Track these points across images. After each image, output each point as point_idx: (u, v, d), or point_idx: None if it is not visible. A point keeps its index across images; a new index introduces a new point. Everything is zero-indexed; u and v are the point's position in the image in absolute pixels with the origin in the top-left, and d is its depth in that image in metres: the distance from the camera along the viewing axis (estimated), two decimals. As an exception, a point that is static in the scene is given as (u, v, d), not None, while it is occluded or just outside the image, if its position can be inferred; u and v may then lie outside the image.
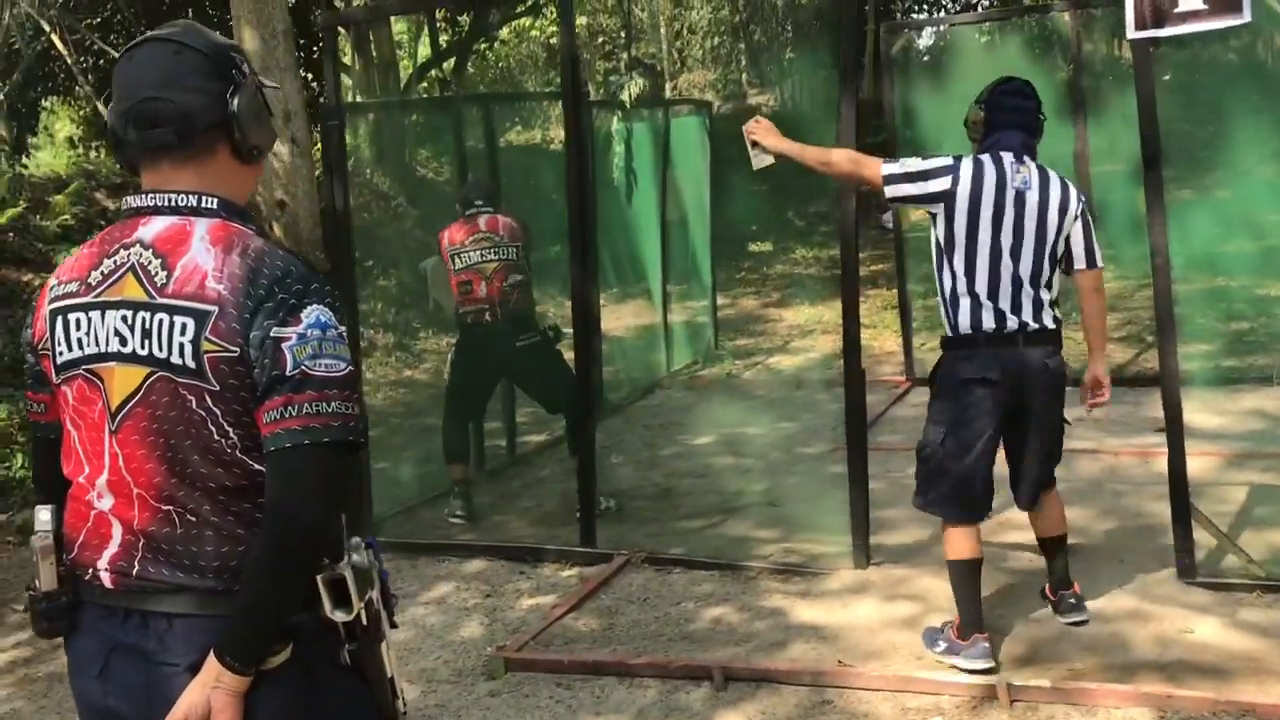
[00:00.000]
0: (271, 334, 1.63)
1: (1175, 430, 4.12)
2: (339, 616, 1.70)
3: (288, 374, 1.61)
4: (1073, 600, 3.98)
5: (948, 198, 3.73)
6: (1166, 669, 3.61)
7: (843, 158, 4.00)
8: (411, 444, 7.31)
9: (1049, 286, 3.75)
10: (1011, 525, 4.90)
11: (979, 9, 21.90)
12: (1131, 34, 3.93)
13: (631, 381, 8.69)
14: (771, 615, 4.29)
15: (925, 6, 22.45)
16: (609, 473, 6.16)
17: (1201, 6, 3.80)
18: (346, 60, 13.95)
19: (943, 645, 3.80)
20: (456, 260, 5.69)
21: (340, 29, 14.44)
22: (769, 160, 4.03)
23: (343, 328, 1.70)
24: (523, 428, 7.14)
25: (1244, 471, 5.53)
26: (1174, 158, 13.21)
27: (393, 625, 1.86)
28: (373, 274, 10.80)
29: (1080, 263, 3.81)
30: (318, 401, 1.61)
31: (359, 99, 13.53)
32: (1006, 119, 3.79)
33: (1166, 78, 15.04)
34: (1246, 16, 3.78)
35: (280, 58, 10.07)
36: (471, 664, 4.06)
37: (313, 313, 1.65)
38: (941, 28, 13.88)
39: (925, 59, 16.00)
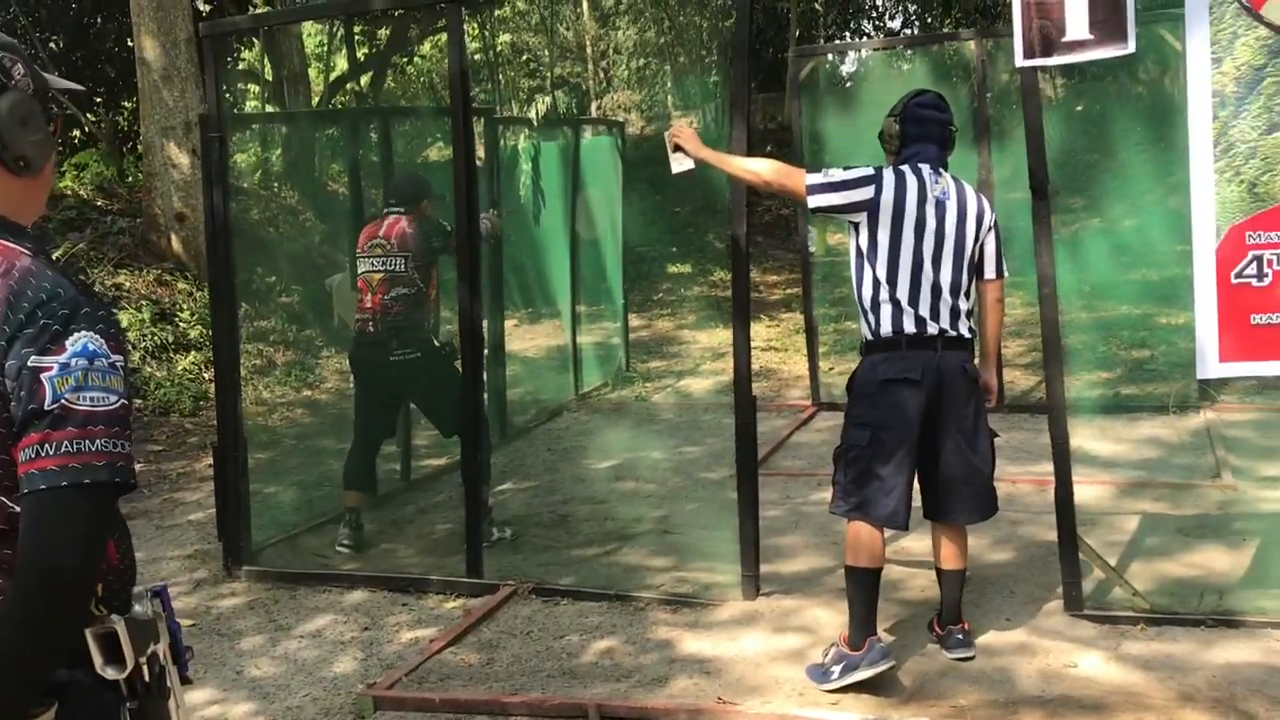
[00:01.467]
0: (29, 363, 1.47)
1: (1062, 460, 4.09)
2: (111, 674, 1.55)
3: (46, 408, 1.46)
4: (960, 637, 3.92)
5: (871, 206, 3.75)
6: (1049, 705, 3.55)
7: (769, 167, 4.03)
8: (302, 467, 7.09)
9: (966, 295, 3.81)
10: (905, 554, 4.86)
11: (899, 34, 22.19)
12: (1020, 62, 3.91)
13: (538, 404, 8.55)
14: (658, 648, 4.17)
15: (847, 33, 22.72)
16: (505, 500, 6.01)
17: (1088, 36, 3.79)
18: (261, 70, 13.68)
19: (837, 668, 3.71)
20: (358, 265, 5.54)
21: (249, 38, 14.22)
22: (689, 165, 4.04)
23: (118, 356, 1.54)
24: (420, 450, 6.96)
25: (1137, 501, 5.55)
26: (1081, 186, 13.50)
27: (185, 681, 1.71)
28: (275, 290, 10.53)
29: (990, 272, 3.92)
30: (79, 439, 1.46)
31: (270, 110, 13.27)
32: (921, 131, 3.85)
33: (1078, 108, 15.35)
34: (1130, 47, 3.77)
35: (181, 66, 9.82)
36: (341, 702, 3.88)
37: (79, 340, 1.49)
38: (852, 54, 14.03)
39: (839, 84, 16.15)
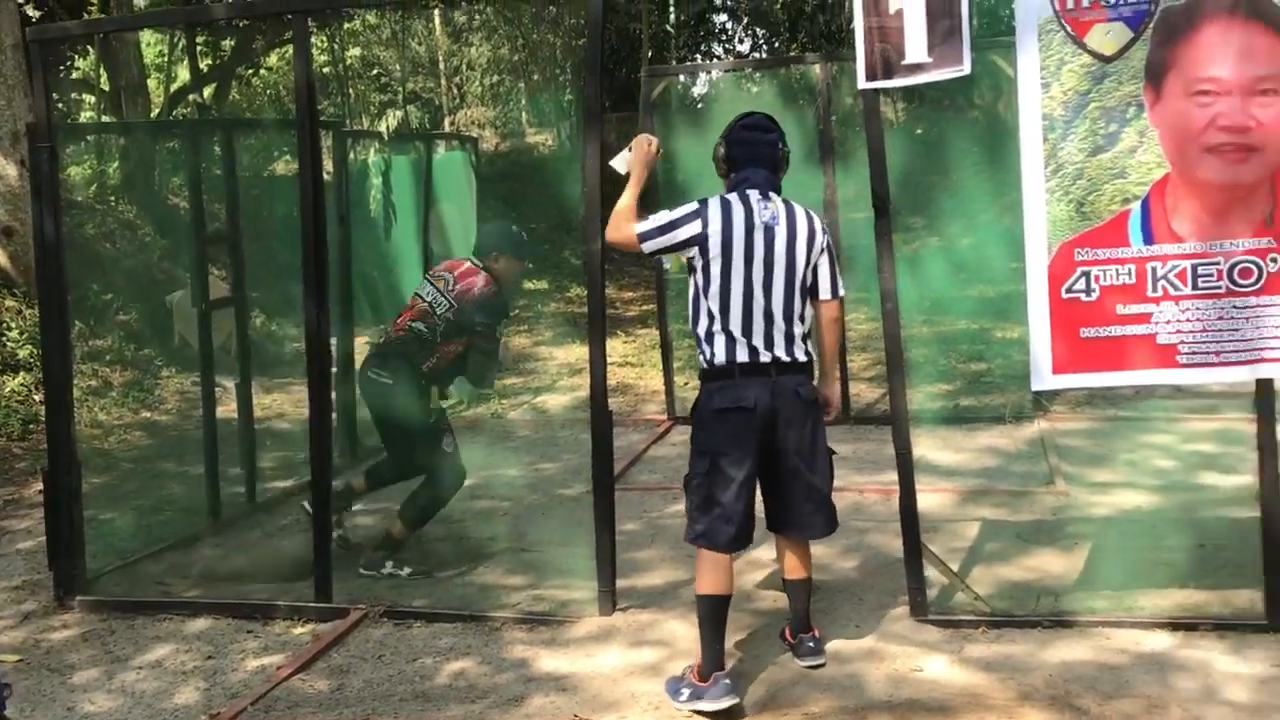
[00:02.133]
0: None
1: (906, 470, 4.21)
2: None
3: None
4: (811, 644, 3.99)
5: (700, 241, 3.79)
6: (897, 709, 3.64)
7: (612, 222, 4.00)
8: (140, 492, 6.79)
9: (801, 320, 3.84)
10: (758, 565, 4.93)
11: (748, 57, 22.65)
12: (863, 84, 4.02)
13: (390, 423, 8.37)
14: (514, 667, 4.13)
15: (698, 54, 23.09)
16: (355, 522, 5.87)
17: (927, 59, 3.93)
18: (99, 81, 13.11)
19: (686, 693, 3.74)
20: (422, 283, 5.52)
21: (83, 46, 13.61)
22: (622, 171, 4.08)
23: None
24: (266, 473, 6.74)
25: (977, 508, 5.75)
26: (921, 206, 14.00)
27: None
28: (112, 308, 10.08)
29: (825, 293, 3.89)
30: None
31: (106, 120, 12.73)
32: (748, 154, 3.87)
33: (919, 131, 15.94)
34: (966, 69, 3.92)
35: (9, 74, 9.35)
36: (182, 735, 3.73)
37: None
38: (704, 75, 14.25)
39: (690, 105, 16.41)
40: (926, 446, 6.99)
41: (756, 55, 22.01)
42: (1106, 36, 3.81)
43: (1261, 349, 3.85)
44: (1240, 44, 3.72)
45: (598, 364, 4.39)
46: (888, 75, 3.99)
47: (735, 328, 3.76)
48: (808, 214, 3.88)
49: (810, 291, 3.88)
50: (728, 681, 3.67)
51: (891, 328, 4.20)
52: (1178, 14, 3.75)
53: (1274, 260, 3.79)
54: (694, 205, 3.83)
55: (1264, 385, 3.94)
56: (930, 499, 5.91)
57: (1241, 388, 6.25)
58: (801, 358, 3.82)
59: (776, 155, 3.91)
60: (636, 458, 7.14)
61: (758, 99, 9.07)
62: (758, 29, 24.49)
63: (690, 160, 8.09)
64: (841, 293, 3.94)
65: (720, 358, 3.78)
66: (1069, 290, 3.93)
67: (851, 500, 5.98)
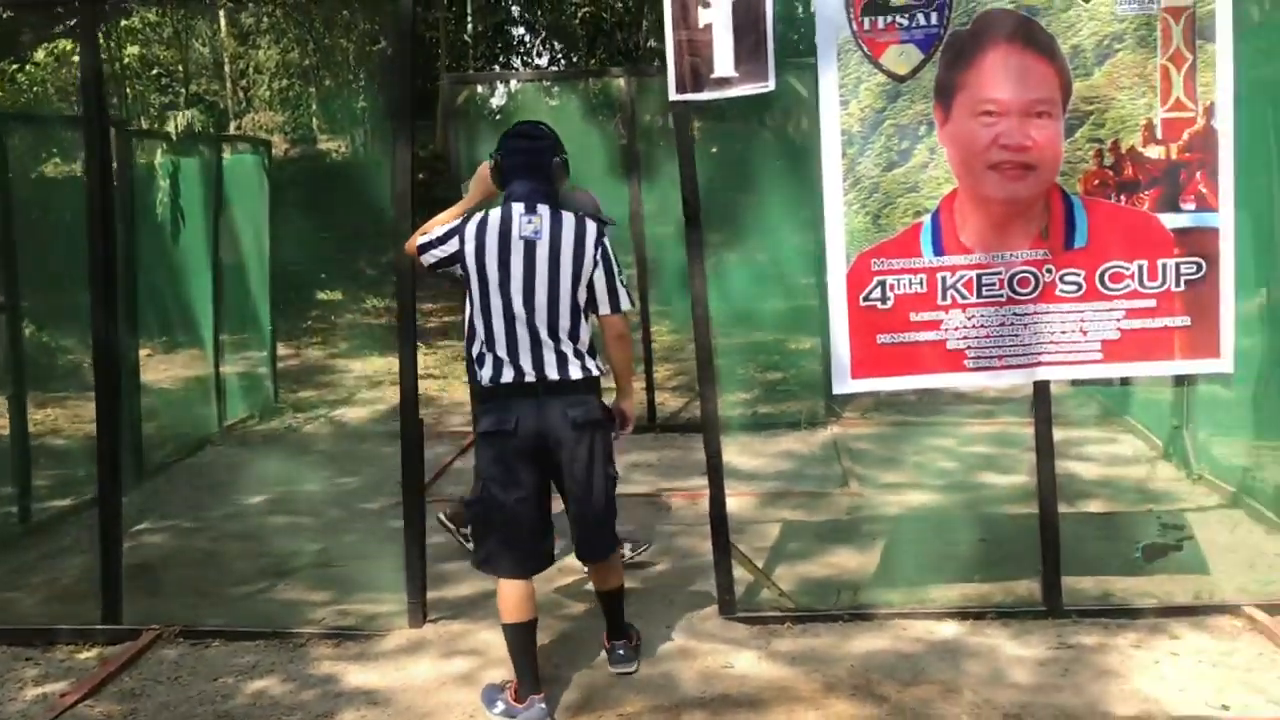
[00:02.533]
0: None
1: (716, 473, 4.32)
2: None
3: None
4: (621, 652, 4.02)
5: (461, 259, 3.69)
6: (710, 705, 3.72)
7: (416, 232, 3.89)
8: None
9: (574, 337, 3.67)
10: (570, 570, 4.94)
11: (546, 69, 22.75)
12: (673, 96, 4.12)
13: (178, 438, 7.98)
14: (321, 683, 4.00)
15: (495, 65, 23.03)
16: (142, 540, 5.57)
17: (734, 74, 4.06)
18: None
19: (500, 706, 3.71)
20: None
21: None
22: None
23: None
24: (41, 491, 6.31)
25: (777, 509, 5.94)
26: (719, 223, 14.37)
27: None
28: None
29: (603, 308, 3.72)
30: None
31: None
32: (513, 163, 3.73)
33: (715, 150, 16.36)
34: (771, 85, 4.07)
35: None
36: (-46, 772, 3.45)
37: None
38: (506, 85, 14.21)
39: (492, 114, 16.32)
40: (729, 452, 7.11)
41: (554, 68, 22.18)
42: (900, 57, 4.03)
43: (1039, 354, 4.14)
44: (1018, 69, 4.00)
45: (408, 374, 4.32)
46: (697, 88, 4.09)
47: (500, 348, 3.63)
48: (579, 225, 3.70)
49: (590, 306, 3.73)
50: (543, 706, 3.66)
51: (703, 335, 4.30)
52: (964, 39, 4.00)
53: (1049, 271, 4.09)
54: (457, 221, 3.75)
55: (1041, 388, 4.23)
56: (734, 502, 6.03)
57: (1016, 391, 6.73)
58: (575, 375, 3.65)
59: (544, 163, 3.73)
60: (442, 470, 7.05)
61: (559, 111, 9.13)
62: (556, 43, 24.65)
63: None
64: (625, 306, 3.75)
65: (485, 379, 3.67)
66: (866, 299, 4.13)
67: (660, 505, 6.08)
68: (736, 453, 7.15)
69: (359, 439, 8.21)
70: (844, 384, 4.20)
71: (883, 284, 4.12)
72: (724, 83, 4.08)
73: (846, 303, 4.13)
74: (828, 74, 4.05)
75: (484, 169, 3.89)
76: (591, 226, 3.72)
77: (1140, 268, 4.07)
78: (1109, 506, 5.71)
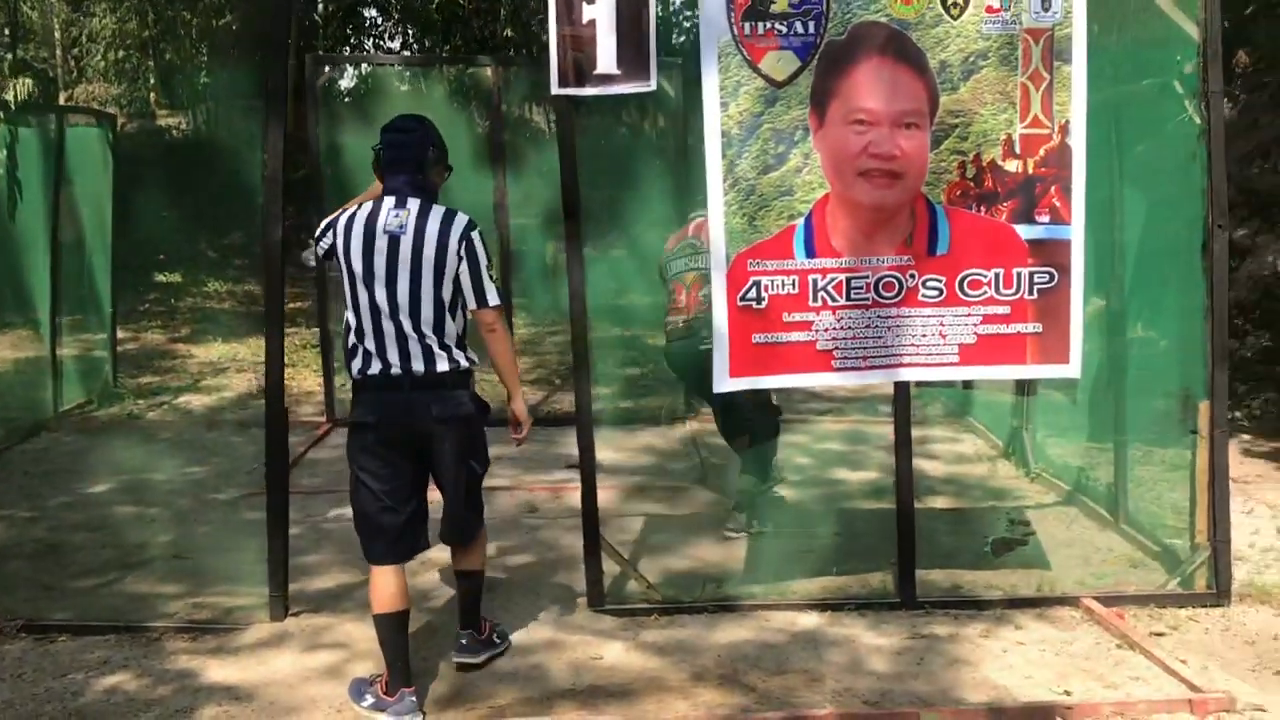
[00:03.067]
0: None
1: (589, 468, 4.35)
2: None
3: None
4: (465, 642, 3.97)
5: (334, 253, 3.74)
6: (581, 695, 3.76)
7: None
8: None
9: (439, 331, 3.67)
10: (435, 563, 4.90)
11: (402, 53, 22.33)
12: (555, 90, 4.12)
13: (8, 423, 7.57)
14: (178, 678, 3.88)
15: (346, 46, 22.48)
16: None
17: (616, 71, 4.09)
18: None
19: (369, 700, 3.67)
20: (670, 268, 5.58)
21: None
22: None
23: None
24: None
25: (640, 503, 6.01)
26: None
27: None
28: None
29: (471, 303, 3.73)
30: None
31: None
32: (390, 158, 3.73)
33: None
34: (652, 85, 4.12)
35: None
36: None
37: None
38: (367, 67, 13.91)
39: (348, 98, 15.96)
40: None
41: (407, 53, 21.76)
42: (778, 63, 4.13)
43: (901, 356, 4.30)
44: (890, 81, 4.14)
45: (275, 361, 4.22)
46: (579, 83, 4.11)
47: (370, 342, 3.66)
48: (445, 220, 3.68)
49: (462, 300, 3.74)
50: (413, 700, 3.63)
51: (579, 327, 4.33)
52: (839, 48, 4.12)
53: (912, 276, 4.25)
54: (337, 214, 3.80)
55: (900, 388, 4.41)
56: (599, 495, 6.10)
57: (867, 390, 6.97)
58: (442, 368, 3.67)
59: (414, 157, 3.71)
60: (296, 460, 6.87)
61: (427, 97, 8.99)
62: (410, 27, 24.19)
63: (355, 155, 7.91)
64: (493, 301, 3.75)
65: (355, 370, 3.71)
66: (744, 298, 4.22)
67: (523, 499, 6.08)
68: (599, 447, 7.18)
69: (206, 427, 7.94)
70: (723, 383, 4.28)
71: (758, 284, 4.21)
72: (606, 79, 4.11)
73: (726, 302, 4.21)
74: (709, 76, 4.11)
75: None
76: (461, 220, 3.71)
77: (997, 275, 4.27)
78: (955, 502, 5.96)
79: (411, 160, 3.71)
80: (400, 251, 3.62)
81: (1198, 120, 4.31)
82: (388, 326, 3.64)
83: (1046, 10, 4.15)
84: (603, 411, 8.06)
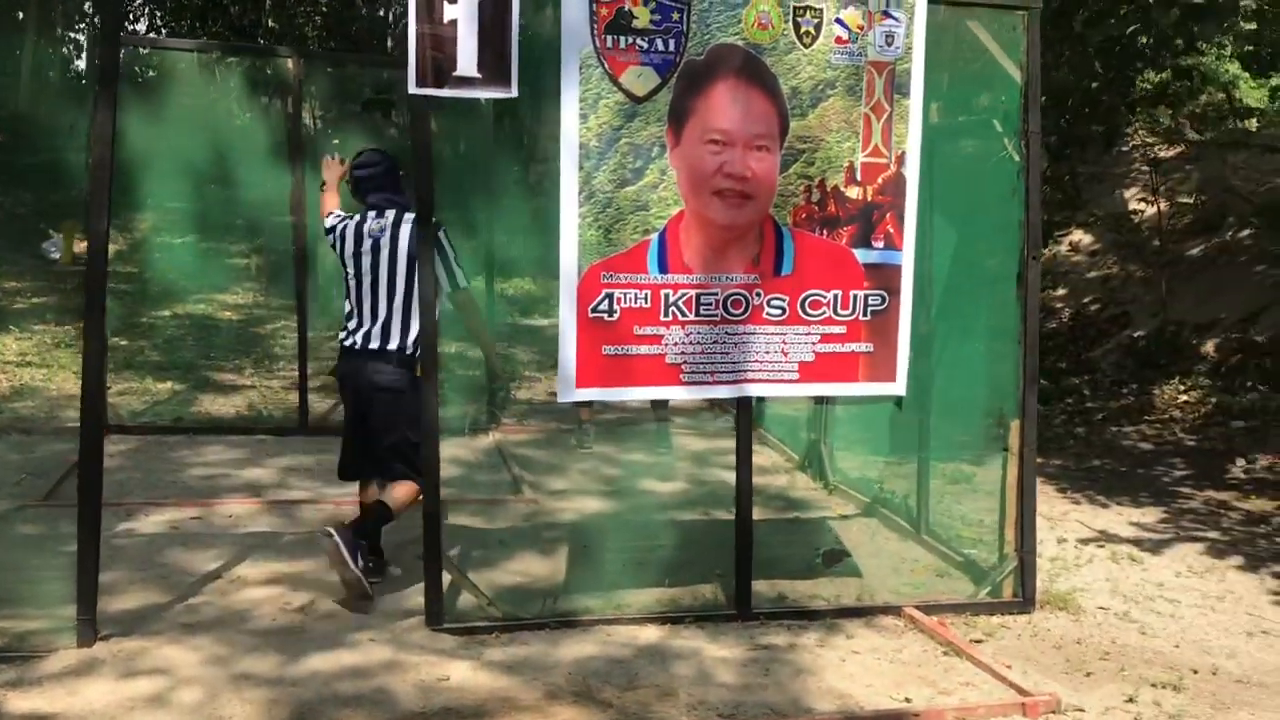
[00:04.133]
0: None
1: (432, 481, 4.21)
2: None
3: None
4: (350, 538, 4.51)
5: (334, 248, 4.85)
6: (433, 718, 3.62)
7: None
8: None
9: (400, 312, 4.62)
10: (245, 582, 4.62)
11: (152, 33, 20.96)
12: (412, 89, 3.98)
13: None
14: (-27, 715, 3.48)
15: (133, 26, 20.89)
16: None
17: (476, 75, 3.99)
18: None
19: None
20: None
21: None
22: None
23: None
24: None
25: (454, 516, 5.86)
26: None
27: None
28: None
29: (444, 287, 4.48)
30: None
31: None
32: (363, 184, 4.83)
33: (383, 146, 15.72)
34: (513, 92, 4.05)
35: None
36: None
37: None
38: (145, 50, 12.96)
39: (140, 79, 14.88)
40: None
41: (152, 35, 20.38)
42: (638, 79, 4.14)
43: (745, 372, 4.39)
44: (744, 103, 4.23)
45: (93, 363, 3.86)
46: (438, 84, 3.98)
47: (350, 318, 4.73)
48: (414, 225, 4.52)
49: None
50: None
51: (429, 338, 4.19)
52: (698, 68, 4.18)
53: (759, 294, 4.36)
54: (338, 217, 4.91)
55: (744, 403, 4.50)
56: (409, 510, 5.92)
57: (683, 403, 7.07)
58: (393, 345, 4.62)
59: (376, 179, 4.81)
60: (71, 470, 6.31)
61: (218, 83, 8.44)
62: (159, 11, 22.70)
63: (140, 139, 7.39)
64: (461, 284, 4.62)
65: (340, 340, 4.81)
66: (595, 310, 4.20)
67: (329, 514, 5.81)
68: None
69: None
70: (569, 393, 4.24)
71: (610, 296, 4.20)
72: (466, 82, 4.00)
73: (576, 313, 4.18)
74: (569, 86, 4.08)
75: (329, 161, 5.25)
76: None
77: (835, 297, 4.44)
78: (763, 513, 6.13)
79: (380, 182, 4.81)
80: (381, 252, 4.67)
81: (1016, 158, 4.62)
82: (364, 307, 4.68)
83: (890, 45, 4.35)
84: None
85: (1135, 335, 10.77)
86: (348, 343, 4.71)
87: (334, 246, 4.83)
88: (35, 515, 5.60)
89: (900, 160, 4.43)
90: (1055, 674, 4.14)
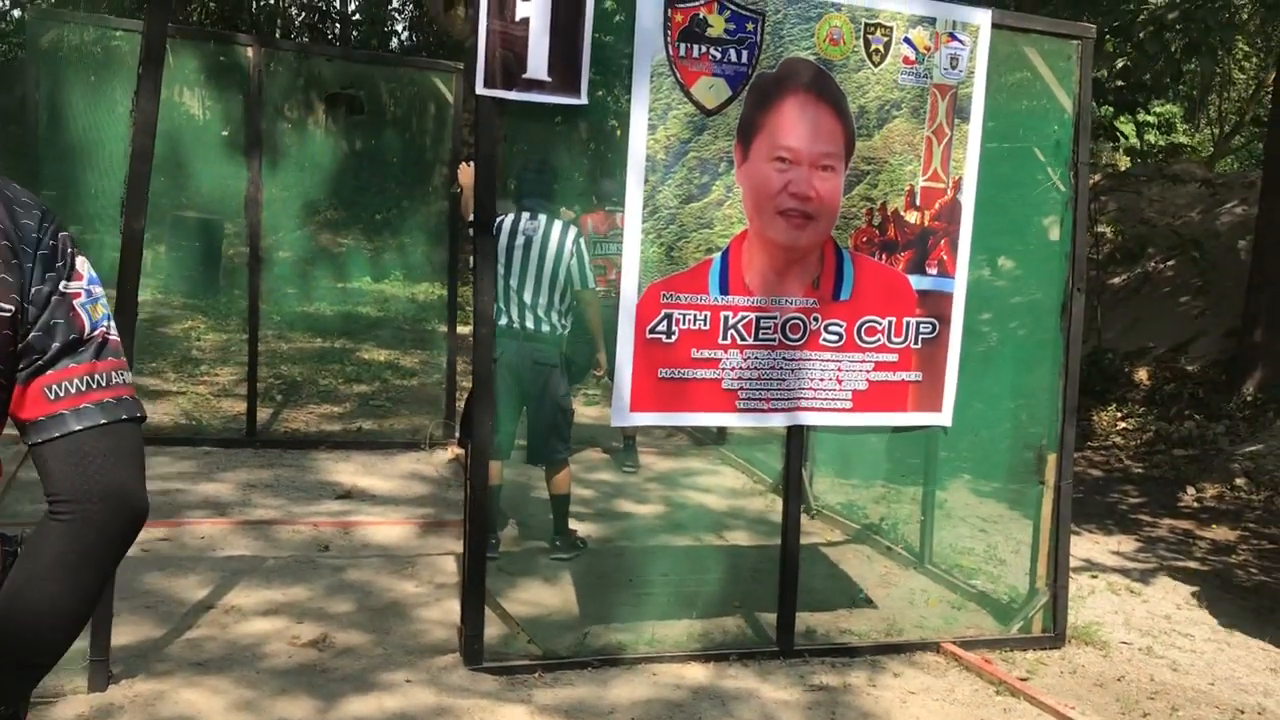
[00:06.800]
0: (60, 288, 1.32)
1: (479, 507, 3.92)
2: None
3: (86, 337, 1.33)
4: (557, 543, 5.34)
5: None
6: (499, 770, 3.35)
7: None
8: None
9: (550, 304, 5.17)
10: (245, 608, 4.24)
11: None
12: (479, 90, 3.70)
13: None
14: (-19, 774, 3.05)
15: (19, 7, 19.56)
16: None
17: (547, 79, 3.74)
18: None
19: None
20: (601, 247, 6.70)
21: None
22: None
23: None
24: None
25: (440, 539, 5.53)
26: (350, 224, 13.37)
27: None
28: None
29: (576, 284, 5.25)
30: (121, 370, 1.37)
31: None
32: (527, 188, 5.36)
33: (358, 145, 15.09)
34: (583, 100, 3.81)
35: None
36: None
37: (84, 263, 1.37)
38: (94, 29, 12.14)
39: (84, 58, 13.96)
40: (347, 472, 6.62)
41: (17, 14, 19.16)
42: (710, 90, 3.94)
43: (799, 398, 4.23)
44: (813, 121, 4.07)
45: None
46: (507, 86, 3.72)
47: (504, 303, 5.13)
48: (564, 230, 5.25)
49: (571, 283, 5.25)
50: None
51: (484, 350, 3.90)
52: (769, 82, 4.00)
53: (816, 319, 4.20)
54: (501, 216, 5.04)
55: (794, 431, 4.33)
56: (392, 531, 5.59)
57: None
58: (545, 330, 5.18)
59: (543, 188, 5.38)
60: (9, 482, 5.77)
61: (176, 69, 7.89)
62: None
63: (81, 121, 6.85)
64: (590, 285, 5.31)
65: (499, 322, 5.00)
66: (652, 331, 3.98)
67: (310, 536, 5.43)
68: (357, 473, 6.63)
69: None
70: (623, 418, 4.01)
71: (669, 317, 3.99)
72: (536, 85, 3.75)
73: (634, 334, 3.95)
74: (639, 95, 3.85)
75: (465, 169, 5.38)
76: (572, 230, 5.30)
77: (890, 324, 4.31)
78: (747, 539, 5.98)
79: (540, 189, 5.36)
80: (532, 249, 5.18)
81: (1063, 188, 4.57)
82: (513, 297, 5.15)
83: (954, 68, 4.25)
84: (341, 432, 7.48)
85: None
86: (503, 323, 5.12)
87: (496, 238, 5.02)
88: None
89: (957, 186, 4.33)
90: (1112, 715, 4.08)
